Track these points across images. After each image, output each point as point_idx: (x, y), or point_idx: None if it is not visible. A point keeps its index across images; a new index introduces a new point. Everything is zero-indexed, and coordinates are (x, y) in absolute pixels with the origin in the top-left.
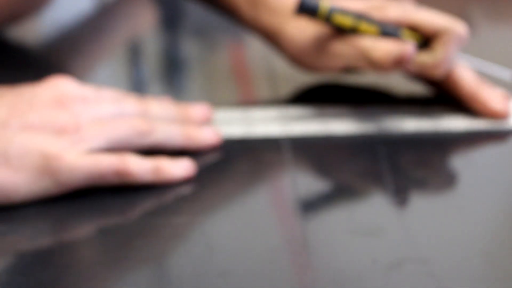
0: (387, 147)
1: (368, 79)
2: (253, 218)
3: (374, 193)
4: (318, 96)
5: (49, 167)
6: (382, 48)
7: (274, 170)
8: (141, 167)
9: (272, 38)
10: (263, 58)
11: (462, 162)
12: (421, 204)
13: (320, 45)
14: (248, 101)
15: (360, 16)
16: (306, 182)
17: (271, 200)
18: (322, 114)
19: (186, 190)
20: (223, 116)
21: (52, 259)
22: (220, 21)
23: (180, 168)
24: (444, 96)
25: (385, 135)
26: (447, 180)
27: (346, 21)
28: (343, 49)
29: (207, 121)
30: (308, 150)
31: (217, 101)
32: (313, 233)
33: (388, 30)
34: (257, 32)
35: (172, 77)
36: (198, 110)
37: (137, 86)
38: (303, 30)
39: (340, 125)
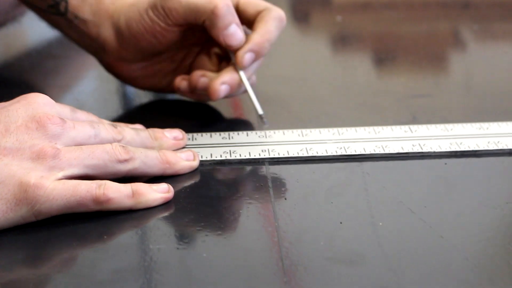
0: (367, 167)
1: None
2: (232, 245)
3: (354, 217)
4: (301, 120)
5: (26, 196)
6: None
7: (254, 194)
8: (119, 193)
9: None
10: None
11: (442, 184)
12: (403, 230)
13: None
14: (234, 120)
15: None
16: (286, 205)
17: (250, 226)
18: (304, 138)
19: (163, 214)
20: (203, 139)
21: None
22: None
23: (158, 193)
24: None
25: (367, 157)
26: (429, 203)
27: None
28: None
29: (180, 146)
30: (289, 172)
31: (203, 120)
32: (291, 260)
33: None
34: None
35: (159, 93)
36: (172, 134)
37: (127, 103)
38: None
39: (321, 148)
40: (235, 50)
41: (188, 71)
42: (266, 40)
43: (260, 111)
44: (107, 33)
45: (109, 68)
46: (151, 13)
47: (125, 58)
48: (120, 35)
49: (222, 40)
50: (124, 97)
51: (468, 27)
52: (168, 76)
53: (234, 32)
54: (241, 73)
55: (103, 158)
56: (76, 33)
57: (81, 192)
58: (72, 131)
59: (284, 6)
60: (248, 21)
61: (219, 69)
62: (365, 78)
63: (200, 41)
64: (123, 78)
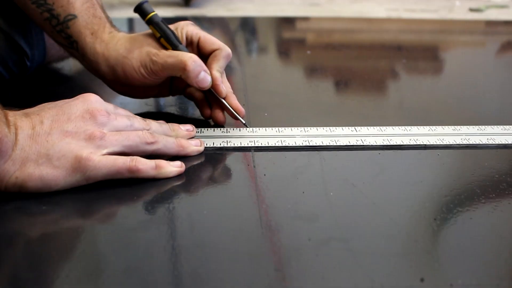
0: (324, 155)
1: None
2: (225, 205)
3: (313, 188)
4: (278, 121)
5: (80, 165)
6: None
7: (243, 171)
8: (146, 166)
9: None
10: (244, 92)
11: (376, 167)
12: (347, 198)
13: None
14: (230, 121)
15: (164, 35)
16: (265, 179)
17: (239, 193)
18: (280, 133)
19: (177, 183)
20: (208, 132)
21: (79, 234)
22: None
23: (174, 167)
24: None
25: (324, 148)
26: (366, 180)
27: (156, 33)
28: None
29: (191, 136)
30: (268, 156)
31: (206, 121)
32: (267, 217)
33: (178, 49)
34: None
35: (180, 103)
36: (185, 127)
37: (156, 107)
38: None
39: (291, 141)
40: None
41: (171, 79)
42: (220, 72)
43: (243, 121)
44: (104, 70)
45: (109, 86)
46: (142, 71)
47: (118, 85)
48: (117, 76)
49: (196, 85)
50: (155, 104)
51: (400, 64)
52: (156, 89)
53: (203, 78)
54: (223, 100)
55: (135, 140)
56: (86, 65)
57: (119, 164)
58: (114, 121)
59: (272, 44)
60: (205, 54)
61: None
62: (326, 95)
63: None
64: (121, 93)
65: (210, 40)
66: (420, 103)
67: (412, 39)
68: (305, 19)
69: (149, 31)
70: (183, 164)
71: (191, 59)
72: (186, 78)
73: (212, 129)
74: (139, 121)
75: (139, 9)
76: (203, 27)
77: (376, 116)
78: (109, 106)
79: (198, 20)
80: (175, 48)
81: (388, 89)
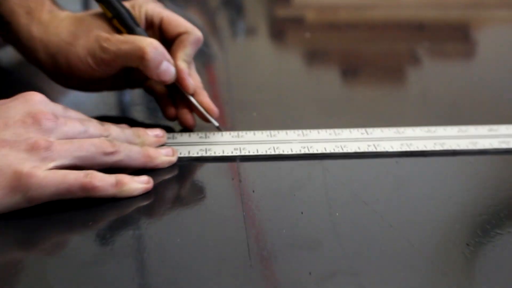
0: (327, 164)
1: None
2: (203, 232)
3: (314, 208)
4: (270, 122)
5: (20, 184)
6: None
7: (226, 187)
8: (104, 182)
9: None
10: (227, 86)
11: (393, 180)
12: (357, 220)
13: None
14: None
15: (117, 15)
16: (254, 197)
17: (221, 216)
18: (272, 138)
19: (144, 203)
20: (182, 138)
21: (19, 270)
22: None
23: (139, 183)
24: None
25: (327, 155)
26: (381, 196)
27: (107, 12)
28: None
29: (161, 143)
30: (257, 168)
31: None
32: (257, 246)
33: (135, 33)
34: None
35: (149, 102)
36: (153, 133)
37: (117, 107)
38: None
39: (287, 147)
40: (169, 84)
41: (127, 68)
42: (188, 62)
43: (216, 124)
44: (43, 59)
45: (50, 78)
46: (90, 61)
47: (61, 77)
48: (59, 67)
49: (156, 77)
50: (116, 103)
51: (422, 47)
52: (109, 81)
53: (165, 69)
54: (191, 98)
55: (90, 150)
56: (22, 52)
57: (69, 180)
58: (64, 126)
59: (262, 25)
60: (169, 39)
61: None
62: (330, 88)
63: None
64: (66, 86)
65: (176, 21)
66: (447, 97)
67: (436, 16)
68: None
69: (100, 10)
70: (151, 179)
71: (151, 46)
72: (145, 69)
73: (187, 134)
74: (95, 126)
75: None
76: (175, 6)
77: (393, 114)
78: (57, 108)
79: None
80: (131, 31)
81: (407, 79)
